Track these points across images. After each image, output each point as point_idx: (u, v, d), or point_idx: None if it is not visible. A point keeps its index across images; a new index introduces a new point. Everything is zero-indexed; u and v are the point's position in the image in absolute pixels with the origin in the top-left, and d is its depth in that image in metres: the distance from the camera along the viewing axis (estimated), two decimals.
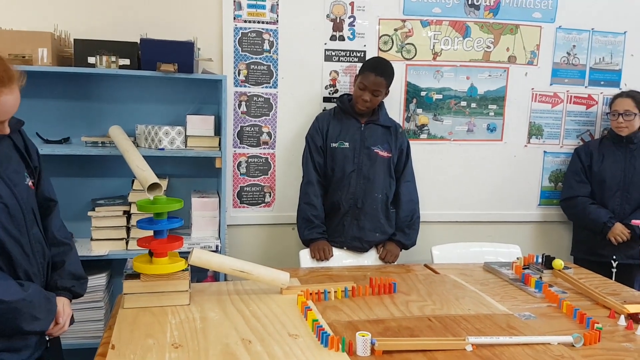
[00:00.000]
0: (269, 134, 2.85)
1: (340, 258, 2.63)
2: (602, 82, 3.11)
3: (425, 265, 2.53)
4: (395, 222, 2.68)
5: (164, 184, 2.50)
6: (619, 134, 2.90)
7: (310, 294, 1.99)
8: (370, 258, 2.66)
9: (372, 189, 2.61)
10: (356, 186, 2.61)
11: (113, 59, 2.39)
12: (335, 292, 2.03)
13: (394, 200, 2.69)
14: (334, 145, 2.62)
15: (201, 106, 2.71)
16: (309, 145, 2.66)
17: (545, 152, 3.13)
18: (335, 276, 2.29)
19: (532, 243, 3.16)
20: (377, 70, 2.52)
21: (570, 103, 3.10)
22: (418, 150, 2.92)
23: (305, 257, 2.59)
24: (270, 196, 2.90)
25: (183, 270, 1.88)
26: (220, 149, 2.51)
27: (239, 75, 2.77)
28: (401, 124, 2.89)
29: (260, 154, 2.86)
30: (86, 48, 2.38)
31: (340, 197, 2.62)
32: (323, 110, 2.84)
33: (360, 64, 2.70)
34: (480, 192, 3.10)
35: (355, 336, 1.57)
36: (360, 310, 1.90)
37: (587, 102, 3.11)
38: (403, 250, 2.69)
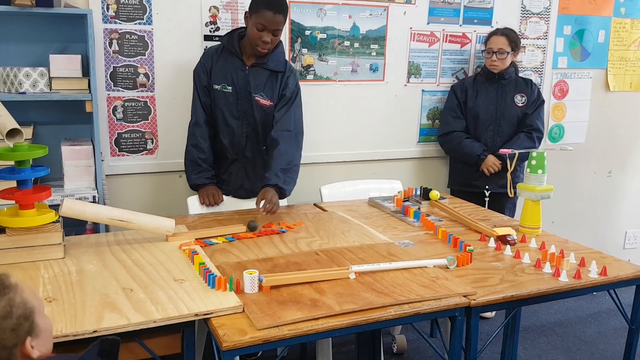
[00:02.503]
0: (146, 75, 2.67)
1: (230, 203, 2.59)
2: (475, 21, 3.25)
3: (315, 205, 2.58)
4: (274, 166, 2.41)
5: (27, 131, 2.28)
6: (492, 71, 3.06)
7: (197, 239, 1.95)
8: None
9: (255, 138, 2.50)
10: (241, 135, 2.50)
11: None
12: (224, 236, 2.01)
13: (271, 147, 2.45)
14: (217, 87, 2.48)
15: (66, 45, 2.46)
16: (195, 81, 2.49)
17: (423, 90, 3.24)
18: (226, 221, 2.26)
19: (413, 178, 3.31)
20: (274, 7, 2.29)
21: (446, 42, 3.21)
22: (305, 91, 2.86)
23: (193, 204, 2.51)
24: (152, 143, 2.76)
25: (54, 222, 1.75)
26: (90, 92, 2.32)
27: (107, 11, 2.53)
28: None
29: (138, 97, 2.69)
30: None
31: (226, 144, 2.51)
32: (205, 48, 2.70)
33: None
34: (365, 132, 3.17)
35: (243, 275, 1.57)
36: (250, 251, 1.90)
37: (462, 41, 3.24)
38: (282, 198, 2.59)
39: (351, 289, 1.58)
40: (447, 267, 1.79)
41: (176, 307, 1.44)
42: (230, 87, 2.45)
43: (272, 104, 2.47)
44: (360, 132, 3.16)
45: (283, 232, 2.10)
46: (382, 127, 3.20)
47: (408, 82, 3.19)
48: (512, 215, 3.13)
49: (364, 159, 3.19)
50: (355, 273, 1.68)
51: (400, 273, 1.71)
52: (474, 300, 1.59)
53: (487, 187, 3.03)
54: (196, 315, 1.42)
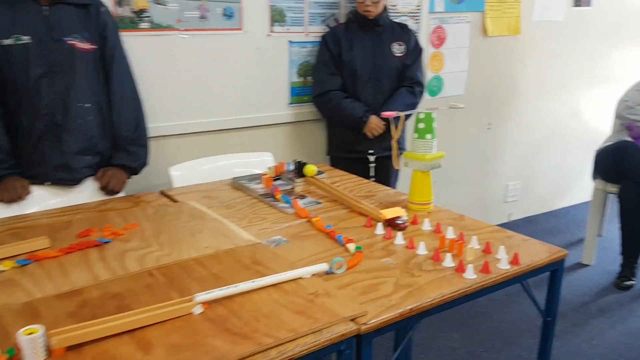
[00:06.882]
0: None
1: (42, 198, 1.96)
2: None
3: (162, 192, 2.02)
4: (113, 139, 2.08)
5: None
6: (367, 17, 2.65)
7: None
8: (85, 193, 2.03)
9: (74, 97, 1.95)
10: (50, 96, 1.92)
11: None
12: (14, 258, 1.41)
13: (108, 110, 2.07)
14: (6, 42, 1.87)
15: None
16: None
17: (290, 42, 2.75)
18: (28, 228, 1.64)
19: (287, 147, 2.86)
20: None
21: None
22: (139, 44, 2.31)
23: None
24: None
25: None
26: None
27: None
28: (110, 9, 2.18)
29: None
30: None
31: (29, 114, 1.93)
32: None
33: None
34: (223, 94, 2.64)
35: (17, 337, 1.01)
36: (49, 280, 1.32)
37: None
38: (132, 175, 2.13)
39: (194, 335, 1.09)
40: (331, 273, 1.35)
41: None
42: (26, 37, 1.89)
43: (94, 47, 1.99)
44: (217, 95, 2.63)
45: (106, 242, 1.53)
46: (245, 88, 2.69)
47: (272, 31, 2.69)
48: (396, 179, 2.85)
49: (226, 127, 2.67)
50: (204, 304, 1.18)
51: (267, 294, 1.25)
52: (365, 324, 1.17)
53: (370, 151, 2.71)
54: None
